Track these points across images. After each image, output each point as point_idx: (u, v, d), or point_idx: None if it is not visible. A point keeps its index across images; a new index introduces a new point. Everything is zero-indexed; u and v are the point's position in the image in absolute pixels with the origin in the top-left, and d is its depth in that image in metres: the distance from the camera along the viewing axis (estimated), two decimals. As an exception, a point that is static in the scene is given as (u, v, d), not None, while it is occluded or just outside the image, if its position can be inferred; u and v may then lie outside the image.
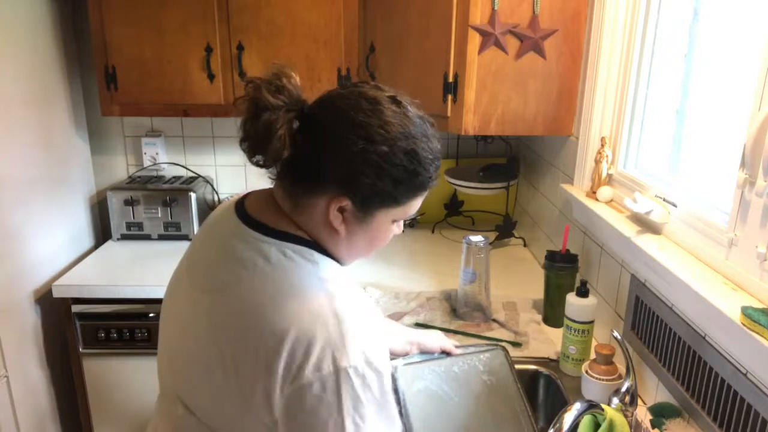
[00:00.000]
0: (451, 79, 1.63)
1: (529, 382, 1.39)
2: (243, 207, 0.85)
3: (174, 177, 2.33)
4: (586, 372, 1.22)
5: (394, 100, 0.80)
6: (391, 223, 0.85)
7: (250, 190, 0.91)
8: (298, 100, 0.79)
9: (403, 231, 0.92)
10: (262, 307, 0.75)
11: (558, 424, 0.96)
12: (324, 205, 0.79)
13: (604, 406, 1.07)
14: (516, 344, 1.46)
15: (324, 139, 0.78)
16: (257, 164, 0.80)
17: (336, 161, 0.77)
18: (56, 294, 1.86)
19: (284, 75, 0.78)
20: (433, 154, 0.81)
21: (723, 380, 0.96)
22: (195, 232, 2.19)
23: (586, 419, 1.08)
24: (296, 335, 0.73)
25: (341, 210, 0.80)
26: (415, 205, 0.85)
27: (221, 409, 0.78)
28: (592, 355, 1.27)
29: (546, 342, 1.48)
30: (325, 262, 0.82)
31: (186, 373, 0.83)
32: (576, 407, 1.00)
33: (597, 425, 1.07)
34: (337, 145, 0.77)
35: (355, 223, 0.82)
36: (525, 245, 2.18)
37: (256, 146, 0.78)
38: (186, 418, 0.83)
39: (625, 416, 1.10)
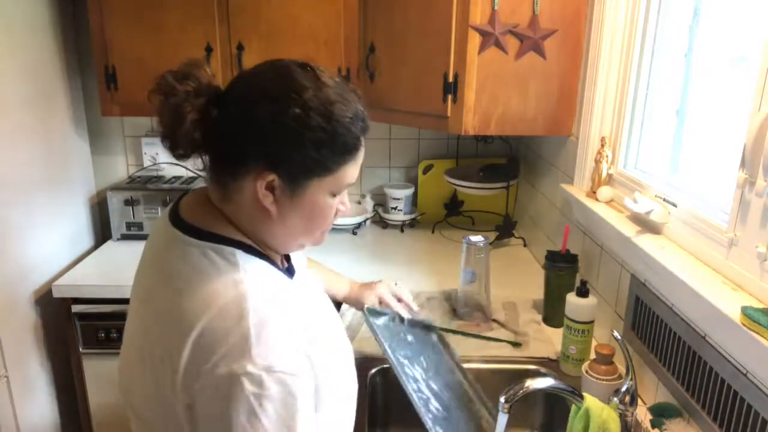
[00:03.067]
0: (451, 79, 1.63)
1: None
2: (177, 210, 0.84)
3: (174, 177, 2.33)
4: (586, 372, 1.22)
5: (304, 66, 0.78)
6: (330, 197, 0.81)
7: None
8: (209, 86, 0.77)
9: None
10: (175, 308, 0.74)
11: (519, 386, 0.97)
12: (251, 186, 0.76)
13: (585, 395, 1.07)
14: (516, 344, 1.46)
15: (237, 114, 0.76)
16: (179, 157, 0.78)
17: (252, 134, 0.75)
18: (56, 294, 1.85)
19: (194, 65, 0.78)
20: (352, 113, 0.77)
21: (723, 380, 0.96)
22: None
23: (574, 409, 1.08)
24: (199, 334, 0.70)
25: (270, 188, 0.77)
26: (349, 173, 0.81)
27: (152, 410, 0.78)
28: (592, 355, 1.27)
29: (546, 342, 1.48)
30: (246, 262, 0.78)
31: (128, 380, 0.83)
32: (547, 381, 1.01)
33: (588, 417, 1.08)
34: (250, 116, 0.75)
35: (287, 201, 0.78)
36: (525, 245, 2.18)
37: (170, 135, 0.76)
38: (136, 423, 0.84)
39: (625, 416, 1.10)
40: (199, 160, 0.80)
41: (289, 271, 0.89)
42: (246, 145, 0.76)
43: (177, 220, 0.81)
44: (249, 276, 0.76)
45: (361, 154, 0.82)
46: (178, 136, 0.76)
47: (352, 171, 0.81)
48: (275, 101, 0.74)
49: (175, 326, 0.73)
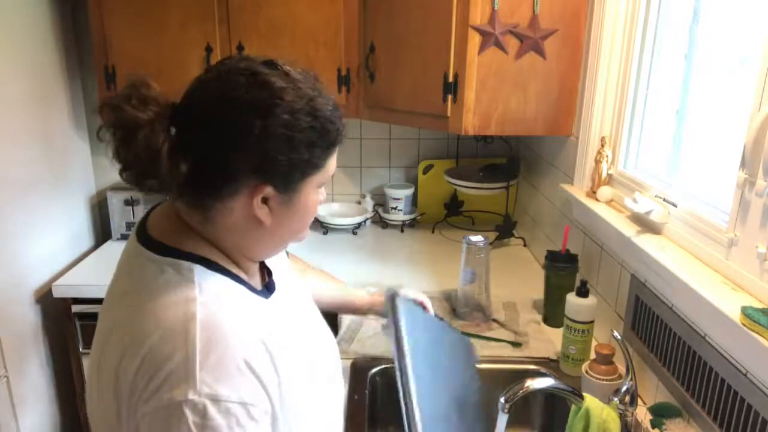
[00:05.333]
0: (451, 79, 1.63)
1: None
2: (145, 222, 0.80)
3: (174, 177, 2.33)
4: (586, 372, 1.22)
5: (270, 65, 0.73)
6: (317, 192, 0.79)
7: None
8: (167, 105, 0.71)
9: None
10: (124, 326, 0.70)
11: (519, 386, 0.97)
12: (244, 204, 0.72)
13: (585, 395, 1.08)
14: (516, 344, 1.46)
15: (216, 135, 0.69)
16: (151, 189, 0.70)
17: (241, 152, 0.69)
18: (56, 294, 1.86)
19: (142, 84, 0.70)
20: (332, 104, 0.75)
21: (723, 380, 0.96)
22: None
23: (574, 409, 1.09)
24: (143, 357, 0.66)
25: (265, 200, 0.73)
26: (333, 164, 0.78)
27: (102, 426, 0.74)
28: (592, 355, 1.27)
29: (546, 342, 1.48)
30: (204, 278, 0.72)
31: (87, 396, 0.80)
32: (547, 381, 1.01)
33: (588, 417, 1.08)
34: (234, 134, 0.68)
35: (282, 209, 0.75)
36: (525, 245, 2.18)
37: (144, 172, 0.68)
38: None
39: (625, 416, 1.10)
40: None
41: (268, 289, 0.84)
42: (234, 166, 0.70)
43: (143, 234, 0.77)
44: (204, 294, 0.70)
45: (341, 141, 0.79)
46: (158, 173, 0.68)
47: (334, 159, 0.79)
48: (260, 111, 0.69)
49: (123, 344, 0.69)
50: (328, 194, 2.48)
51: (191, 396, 0.63)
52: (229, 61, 0.74)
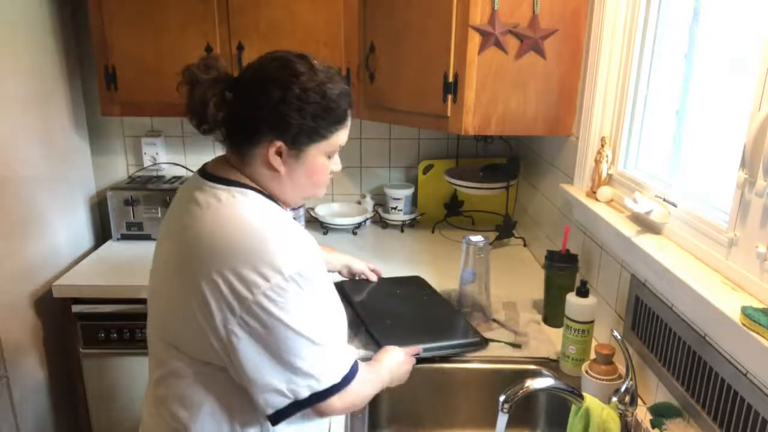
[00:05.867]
0: (451, 79, 1.63)
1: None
2: (205, 168, 1.03)
3: (174, 177, 2.33)
4: (586, 372, 1.22)
5: (300, 56, 0.97)
6: (326, 158, 1.01)
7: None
8: (226, 75, 0.97)
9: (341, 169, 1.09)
10: (210, 235, 0.90)
11: (519, 386, 0.99)
12: (263, 152, 0.96)
13: (585, 395, 1.08)
14: (516, 345, 1.46)
15: (250, 98, 0.95)
16: (204, 132, 0.98)
17: (264, 112, 0.94)
18: (56, 294, 1.85)
19: (213, 58, 0.98)
20: (339, 90, 0.97)
21: (723, 380, 0.96)
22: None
23: (574, 409, 1.09)
24: (232, 254, 0.88)
25: (278, 152, 0.96)
26: (340, 138, 1.01)
27: (191, 337, 0.92)
28: (592, 355, 1.27)
29: (546, 342, 1.48)
30: (267, 203, 0.98)
31: (164, 312, 0.98)
32: (547, 381, 1.01)
33: (588, 417, 1.08)
34: (261, 99, 0.94)
35: (292, 161, 0.98)
36: (525, 245, 2.18)
37: (198, 116, 0.96)
38: (170, 353, 0.96)
39: (625, 416, 1.10)
40: (218, 132, 0.99)
41: None
42: (259, 120, 0.94)
43: (202, 172, 1.01)
44: (256, 203, 0.96)
45: (348, 123, 1.02)
46: (205, 115, 0.95)
47: (342, 136, 1.01)
48: (280, 84, 0.93)
49: (210, 253, 0.89)
50: (328, 194, 2.48)
51: (287, 272, 0.88)
52: (276, 52, 0.99)
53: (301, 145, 0.97)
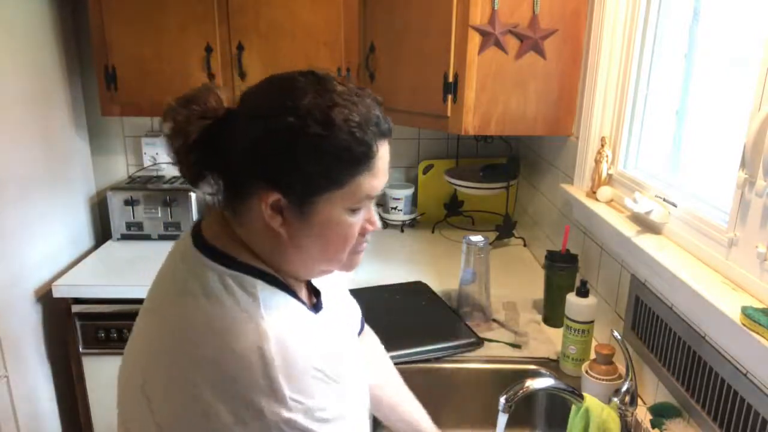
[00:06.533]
0: (451, 79, 1.63)
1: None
2: (199, 226, 0.78)
3: (174, 177, 2.33)
4: (586, 372, 1.22)
5: (307, 72, 0.71)
6: (348, 214, 0.73)
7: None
8: (216, 109, 0.73)
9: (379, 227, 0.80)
10: (186, 341, 0.68)
11: (519, 386, 0.97)
12: (258, 208, 0.71)
13: (585, 395, 1.08)
14: (515, 345, 1.46)
15: (236, 133, 0.71)
16: (192, 182, 0.75)
17: (249, 152, 0.69)
18: (56, 294, 1.85)
19: (203, 89, 0.74)
20: (360, 117, 0.69)
21: (723, 380, 0.96)
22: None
23: (574, 409, 1.09)
24: (215, 374, 0.65)
25: (277, 209, 0.70)
26: (365, 186, 0.71)
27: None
28: (592, 355, 1.27)
29: (546, 342, 1.48)
30: (268, 294, 0.72)
31: (120, 396, 0.76)
32: (547, 381, 1.01)
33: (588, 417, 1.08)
34: (246, 134, 0.69)
35: (296, 222, 0.71)
36: (525, 245, 2.18)
37: (177, 159, 0.73)
38: None
39: (625, 416, 1.10)
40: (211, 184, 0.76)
41: (315, 308, 0.82)
42: (245, 164, 0.70)
43: (197, 238, 0.76)
44: (270, 312, 0.70)
45: (378, 163, 0.72)
46: (182, 159, 0.72)
47: (368, 182, 0.71)
48: (270, 111, 0.68)
49: (185, 366, 0.67)
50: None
51: (286, 415, 0.65)
52: (280, 72, 0.74)
53: (304, 197, 0.70)
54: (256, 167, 0.70)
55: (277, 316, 0.70)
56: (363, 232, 0.77)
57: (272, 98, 0.70)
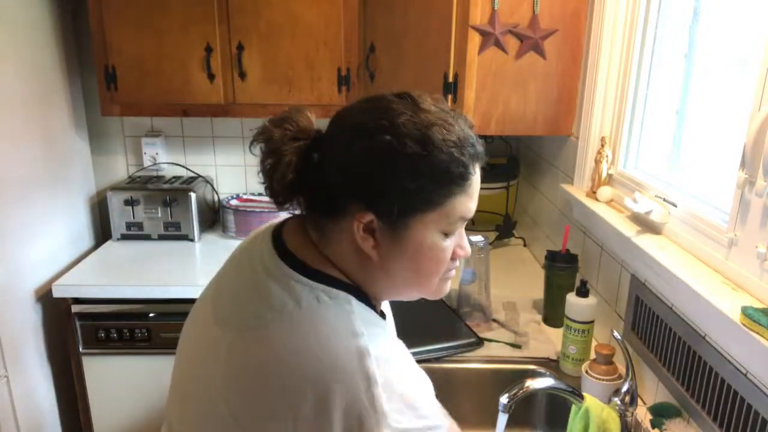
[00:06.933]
0: (451, 79, 1.63)
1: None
2: (281, 236, 0.75)
3: (174, 177, 2.33)
4: (586, 372, 1.22)
5: (403, 95, 0.72)
6: (440, 237, 0.72)
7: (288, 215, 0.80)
8: (308, 130, 0.73)
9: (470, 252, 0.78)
10: (283, 359, 0.65)
11: (519, 386, 0.97)
12: (349, 229, 0.70)
13: (585, 395, 1.07)
14: (516, 345, 1.46)
15: (330, 153, 0.71)
16: (280, 204, 0.74)
17: (345, 171, 0.69)
18: (56, 294, 1.85)
19: (294, 110, 0.74)
20: (456, 137, 0.69)
21: (723, 380, 0.96)
22: (197, 234, 2.20)
23: (574, 409, 1.09)
24: (317, 396, 0.63)
25: (369, 230, 0.69)
26: (460, 207, 0.71)
27: None
28: (592, 355, 1.27)
29: (546, 342, 1.48)
30: (362, 311, 0.70)
31: (194, 420, 0.73)
32: (547, 381, 1.01)
33: (588, 417, 1.08)
34: (342, 153, 0.69)
35: (389, 244, 0.70)
36: (525, 245, 2.18)
37: (269, 181, 0.72)
38: None
39: (625, 416, 1.10)
40: (296, 203, 0.75)
41: (382, 316, 0.80)
42: (340, 184, 0.70)
43: (281, 249, 0.74)
44: (365, 328, 0.68)
45: (472, 184, 0.72)
46: (273, 178, 0.71)
47: (463, 203, 0.71)
48: (366, 131, 0.68)
49: (285, 385, 0.65)
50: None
51: (385, 430, 0.63)
52: (370, 95, 0.75)
53: (399, 218, 0.69)
54: (351, 187, 0.69)
55: (370, 331, 0.68)
56: (454, 257, 0.76)
57: (367, 119, 0.70)
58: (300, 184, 0.72)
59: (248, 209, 2.22)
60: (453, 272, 0.78)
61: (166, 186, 2.21)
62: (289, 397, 0.64)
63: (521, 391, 0.98)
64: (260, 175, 0.74)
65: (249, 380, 0.67)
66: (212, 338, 0.73)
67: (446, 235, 0.72)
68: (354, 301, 0.70)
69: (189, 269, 2.02)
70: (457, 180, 0.70)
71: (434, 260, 0.73)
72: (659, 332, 1.17)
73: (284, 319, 0.67)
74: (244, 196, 2.38)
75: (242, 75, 1.96)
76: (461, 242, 0.76)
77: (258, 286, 0.72)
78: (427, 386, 0.73)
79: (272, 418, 0.65)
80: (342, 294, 0.70)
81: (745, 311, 0.84)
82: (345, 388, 0.63)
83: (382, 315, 0.81)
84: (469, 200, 0.72)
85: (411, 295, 0.78)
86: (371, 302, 0.75)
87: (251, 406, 0.66)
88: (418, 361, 1.36)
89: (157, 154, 2.35)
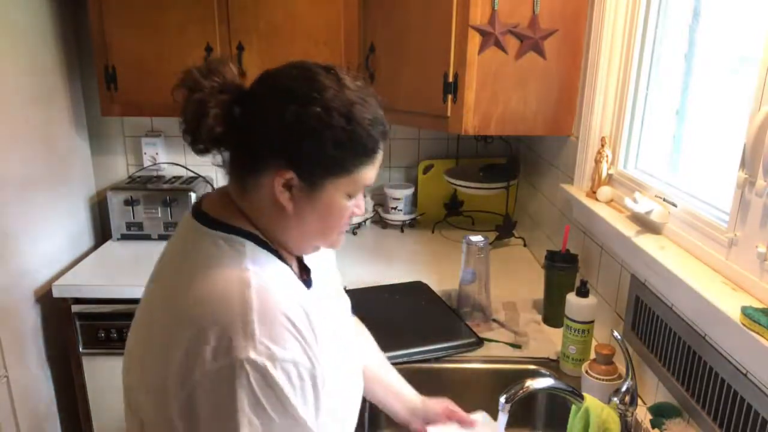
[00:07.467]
0: (451, 79, 1.63)
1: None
2: (200, 203, 0.86)
3: (174, 177, 2.33)
4: (586, 372, 1.22)
5: (327, 69, 0.79)
6: (345, 198, 0.82)
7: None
8: (234, 84, 0.79)
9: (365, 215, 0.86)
10: (178, 292, 0.75)
11: (519, 386, 0.98)
12: (269, 183, 0.78)
13: (585, 395, 1.08)
14: (516, 345, 1.46)
15: (259, 111, 0.77)
16: (199, 152, 0.80)
17: (273, 131, 0.77)
18: (56, 294, 1.85)
19: (219, 63, 0.80)
20: (372, 116, 0.79)
21: (723, 380, 0.96)
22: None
23: (574, 409, 1.09)
24: (197, 320, 0.71)
25: (288, 186, 0.78)
26: (366, 175, 0.82)
27: (151, 406, 0.75)
28: (592, 355, 1.27)
29: (546, 342, 1.48)
30: (254, 252, 0.79)
31: (129, 367, 0.82)
32: (547, 381, 1.01)
33: (588, 417, 1.08)
34: (272, 114, 0.76)
35: (303, 199, 0.79)
36: (525, 245, 2.18)
37: (192, 130, 0.78)
38: (131, 420, 0.81)
39: (625, 416, 1.10)
40: (219, 156, 0.82)
41: (306, 284, 0.87)
42: (267, 142, 0.77)
43: (197, 212, 0.84)
44: (255, 265, 0.76)
45: (378, 158, 0.83)
46: (200, 131, 0.77)
47: (369, 173, 0.82)
48: (298, 100, 0.75)
49: (177, 309, 0.74)
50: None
51: (252, 355, 0.69)
52: (296, 61, 0.82)
53: (316, 179, 0.78)
54: (278, 147, 0.77)
55: (259, 268, 0.77)
56: (351, 215, 0.86)
57: (297, 86, 0.77)
58: (221, 138, 0.78)
59: (248, 209, 2.22)
60: (347, 226, 0.88)
61: (166, 186, 2.21)
62: (177, 322, 0.73)
63: (521, 391, 0.98)
64: (182, 123, 0.79)
65: (159, 312, 0.78)
66: (145, 295, 0.86)
67: (350, 197, 0.83)
68: (249, 245, 0.79)
69: (189, 269, 2.01)
70: (369, 152, 0.81)
71: (338, 217, 0.83)
72: (659, 332, 1.18)
73: (186, 262, 0.79)
74: (244, 196, 2.37)
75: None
76: (359, 203, 0.86)
77: (174, 244, 0.85)
78: (322, 329, 0.79)
79: (168, 340, 0.73)
80: (238, 239, 0.79)
81: (745, 311, 0.84)
82: (223, 310, 0.71)
83: (307, 271, 0.91)
84: (373, 170, 0.84)
85: (314, 245, 0.87)
86: (275, 250, 0.82)
87: (160, 332, 0.76)
88: (419, 361, 1.38)
89: (157, 154, 2.35)
